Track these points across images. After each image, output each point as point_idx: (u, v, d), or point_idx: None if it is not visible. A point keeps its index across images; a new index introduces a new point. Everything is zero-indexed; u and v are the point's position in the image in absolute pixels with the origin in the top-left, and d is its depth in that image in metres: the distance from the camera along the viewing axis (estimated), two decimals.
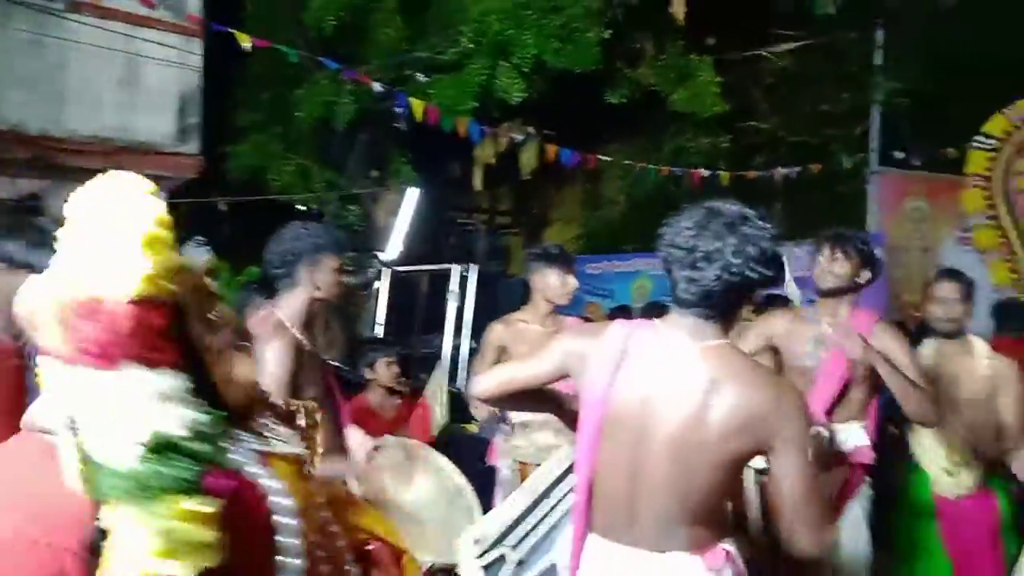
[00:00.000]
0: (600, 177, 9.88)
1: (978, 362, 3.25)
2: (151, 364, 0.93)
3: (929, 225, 7.57)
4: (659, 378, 1.72)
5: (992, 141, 6.60)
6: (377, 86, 6.59)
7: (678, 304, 1.75)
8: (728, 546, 1.75)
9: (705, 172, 8.17)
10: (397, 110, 7.02)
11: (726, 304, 1.72)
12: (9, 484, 0.97)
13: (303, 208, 7.89)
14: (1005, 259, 6.44)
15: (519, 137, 7.41)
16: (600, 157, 7.85)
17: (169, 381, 0.94)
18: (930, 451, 3.23)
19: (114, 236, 0.93)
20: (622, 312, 6.02)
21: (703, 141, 8.84)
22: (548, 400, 2.03)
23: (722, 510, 1.78)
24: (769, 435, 1.65)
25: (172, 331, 0.98)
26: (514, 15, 6.62)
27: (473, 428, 4.34)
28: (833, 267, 2.91)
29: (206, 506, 0.90)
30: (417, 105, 6.47)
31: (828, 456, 2.70)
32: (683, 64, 7.65)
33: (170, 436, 0.91)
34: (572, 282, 3.37)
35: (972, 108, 6.86)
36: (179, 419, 0.93)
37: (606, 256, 8.92)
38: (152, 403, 0.92)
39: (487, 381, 1.96)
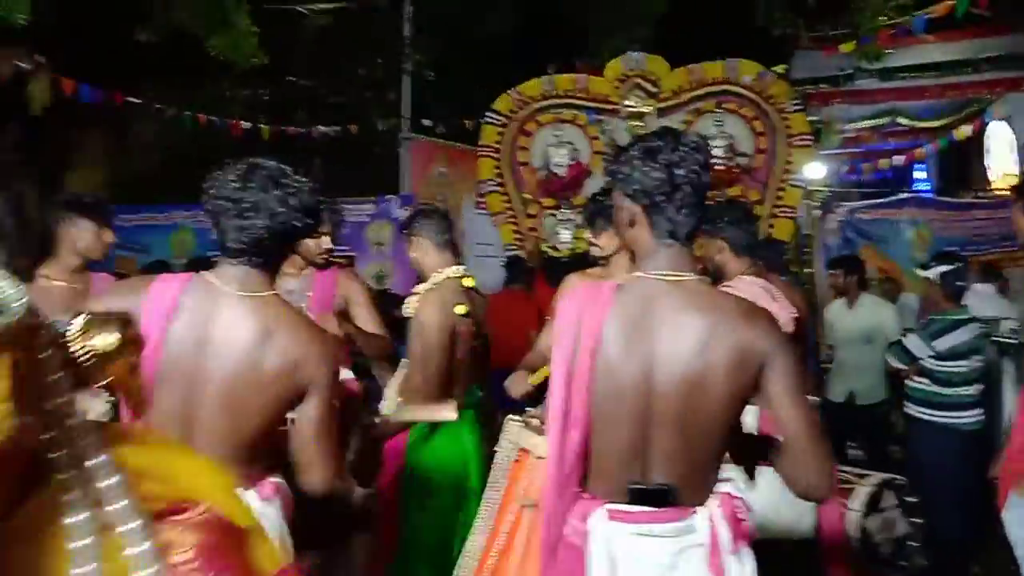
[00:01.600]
0: (130, 121, 8.99)
1: None
2: None
3: (451, 189, 8.47)
4: (212, 329, 1.80)
5: (501, 117, 7.51)
6: None
7: (227, 254, 1.86)
8: (276, 479, 1.94)
9: (246, 124, 7.98)
10: None
11: (273, 253, 1.88)
12: None
13: None
14: (510, 221, 7.49)
15: (26, 66, 6.38)
16: (130, 99, 7.16)
17: None
18: None
19: None
20: (160, 267, 5.72)
21: (243, 92, 8.60)
22: None
23: (271, 448, 1.93)
24: (308, 380, 1.83)
25: None
26: None
27: None
28: None
29: None
30: None
31: None
32: (218, 8, 7.30)
33: None
34: (109, 236, 3.13)
35: (487, 86, 7.78)
36: None
37: (140, 207, 8.17)
38: None
39: None
